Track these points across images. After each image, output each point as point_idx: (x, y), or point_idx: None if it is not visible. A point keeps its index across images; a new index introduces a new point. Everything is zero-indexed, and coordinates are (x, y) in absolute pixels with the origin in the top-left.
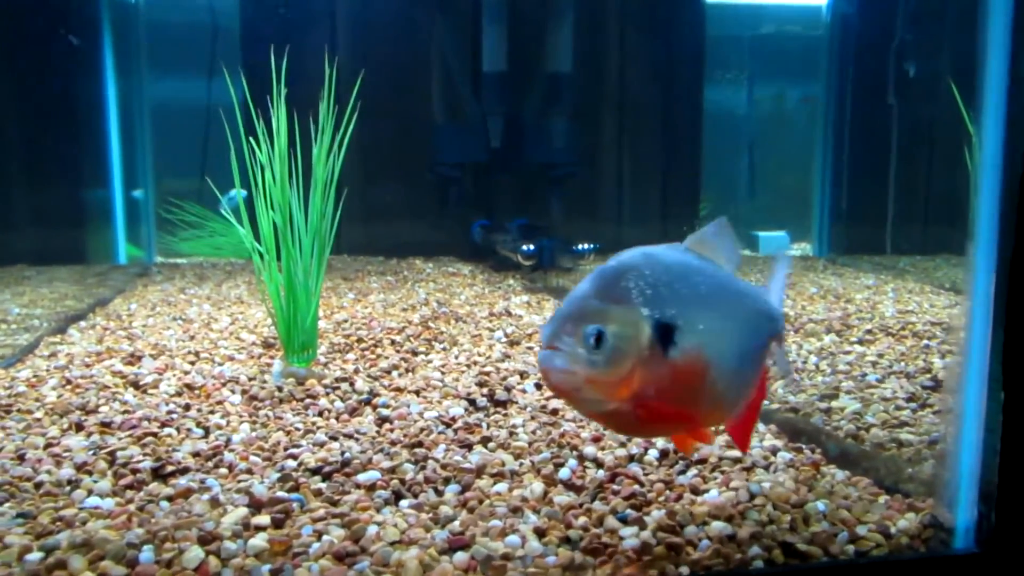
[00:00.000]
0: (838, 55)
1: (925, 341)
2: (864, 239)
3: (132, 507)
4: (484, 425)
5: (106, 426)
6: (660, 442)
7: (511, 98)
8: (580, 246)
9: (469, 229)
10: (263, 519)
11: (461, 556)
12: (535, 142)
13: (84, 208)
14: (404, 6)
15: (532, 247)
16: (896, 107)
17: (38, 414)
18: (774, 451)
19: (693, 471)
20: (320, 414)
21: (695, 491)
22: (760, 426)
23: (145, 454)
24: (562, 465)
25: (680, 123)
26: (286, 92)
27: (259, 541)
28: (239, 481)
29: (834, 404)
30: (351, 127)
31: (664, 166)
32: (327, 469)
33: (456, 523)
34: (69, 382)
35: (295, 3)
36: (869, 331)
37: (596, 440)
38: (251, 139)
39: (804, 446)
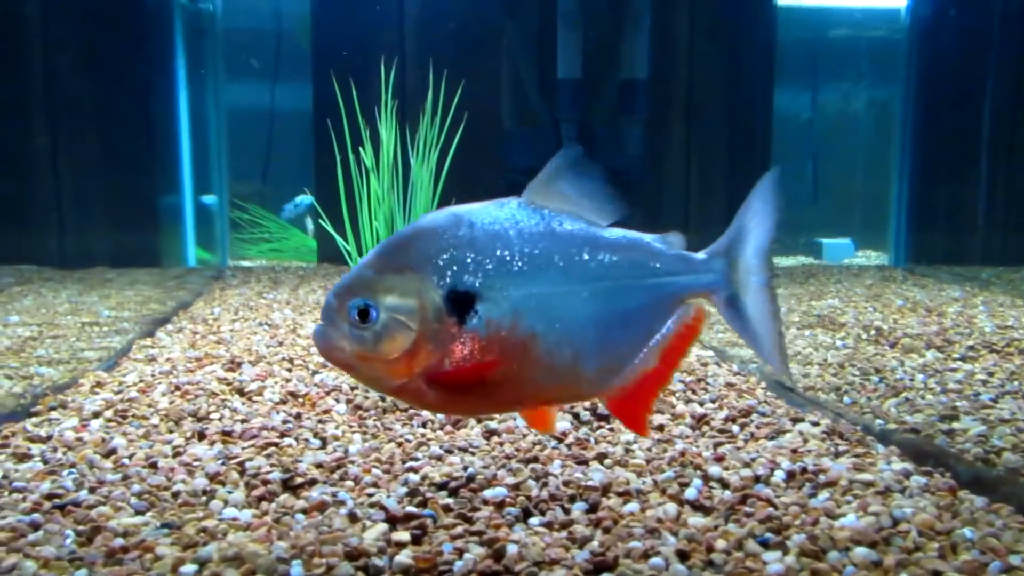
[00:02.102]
0: (918, 58)
1: None
2: (943, 248)
3: (269, 519)
4: (592, 440)
5: (228, 435)
6: (786, 462)
7: (583, 104)
8: None
9: None
10: (403, 535)
11: None
12: (605, 148)
13: (156, 212)
14: (477, 12)
15: None
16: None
17: (154, 420)
18: (906, 475)
19: (825, 494)
20: (424, 425)
21: (830, 515)
22: (880, 447)
23: (272, 465)
24: (687, 485)
25: (749, 128)
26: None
27: (404, 558)
28: (368, 495)
29: (956, 425)
30: (456, 137)
31: (732, 172)
32: (453, 484)
33: (595, 543)
34: (178, 388)
35: (365, 10)
36: (971, 347)
37: (719, 460)
38: (356, 148)
39: (932, 469)
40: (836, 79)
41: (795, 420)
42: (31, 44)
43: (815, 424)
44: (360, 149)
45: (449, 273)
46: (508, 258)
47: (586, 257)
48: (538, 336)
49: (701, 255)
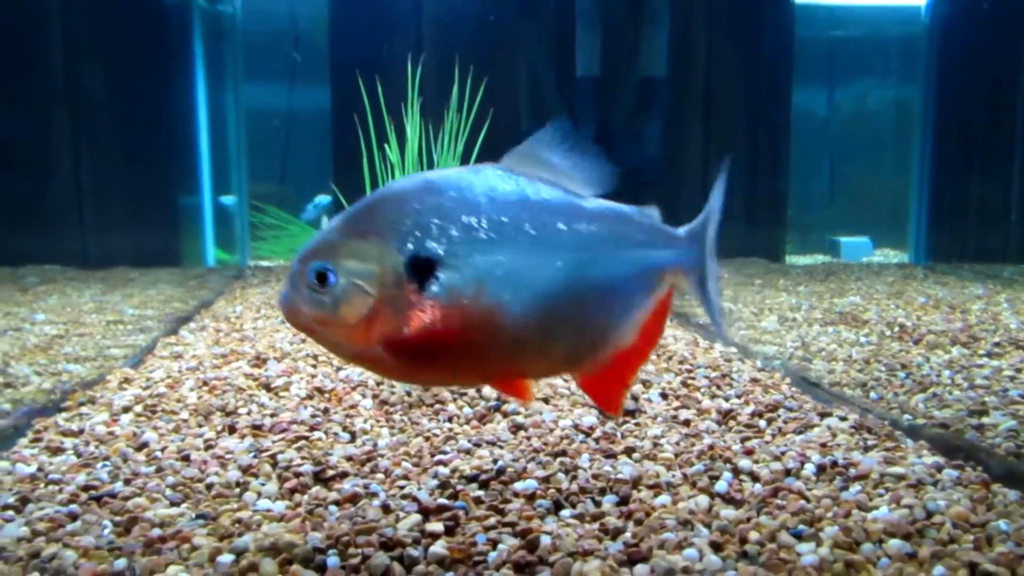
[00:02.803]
0: (938, 54)
1: None
2: (964, 246)
3: (302, 510)
4: (619, 434)
5: (258, 429)
6: (816, 456)
7: (601, 104)
8: None
9: None
10: (436, 526)
11: (641, 569)
12: (623, 147)
13: (176, 213)
14: (494, 12)
15: None
16: None
17: (183, 414)
18: (938, 468)
19: (856, 487)
20: (450, 419)
21: (862, 508)
22: (909, 441)
23: (303, 458)
24: (717, 478)
25: (767, 127)
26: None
27: (439, 548)
28: (399, 487)
29: (985, 420)
30: (480, 136)
31: (751, 171)
32: (483, 477)
33: (628, 535)
34: (205, 383)
35: (383, 11)
36: (997, 344)
37: (749, 453)
38: (381, 145)
39: (963, 463)
40: (854, 77)
41: (822, 415)
42: (53, 46)
43: (843, 419)
44: (385, 146)
45: (412, 239)
46: (475, 225)
47: (562, 227)
48: (505, 306)
49: (681, 231)
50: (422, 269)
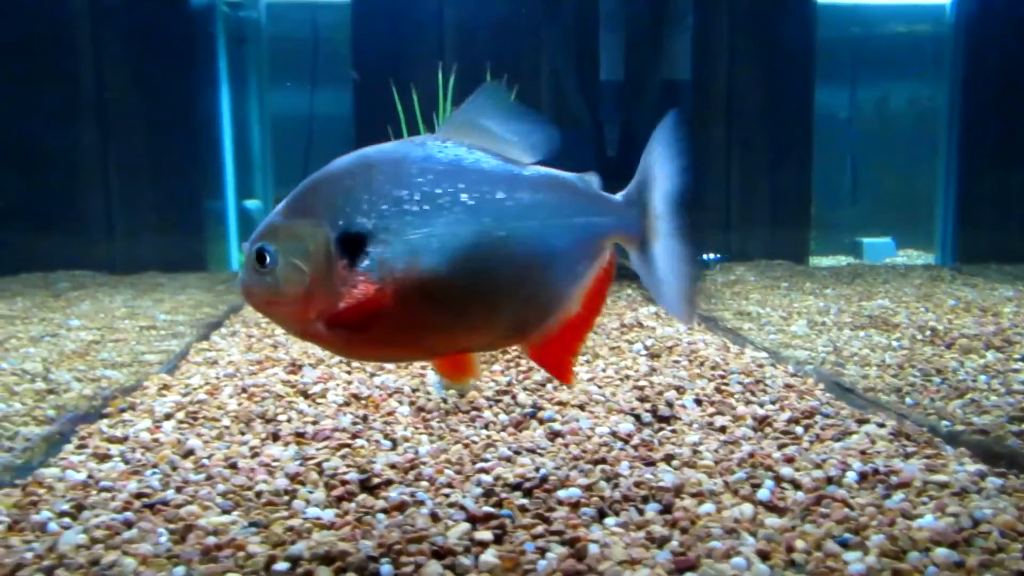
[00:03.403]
0: (964, 53)
1: None
2: (991, 247)
3: (351, 518)
4: (657, 442)
5: (301, 436)
6: (857, 464)
7: (626, 106)
8: (705, 256)
9: None
10: (485, 535)
11: None
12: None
13: (202, 218)
14: (517, 17)
15: None
16: None
17: (225, 421)
18: (981, 476)
19: (900, 495)
20: (487, 426)
21: (907, 516)
22: (949, 448)
23: (348, 465)
24: (759, 486)
25: (790, 127)
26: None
27: (489, 557)
28: (445, 495)
29: None
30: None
31: (773, 171)
32: (527, 485)
33: (675, 543)
34: (244, 390)
35: (405, 17)
36: None
37: (790, 461)
38: None
39: (1006, 471)
40: (877, 76)
41: (860, 421)
42: (81, 54)
43: (880, 426)
44: None
45: (343, 215)
46: (407, 198)
47: (500, 196)
48: (442, 277)
49: (618, 197)
50: (353, 244)
